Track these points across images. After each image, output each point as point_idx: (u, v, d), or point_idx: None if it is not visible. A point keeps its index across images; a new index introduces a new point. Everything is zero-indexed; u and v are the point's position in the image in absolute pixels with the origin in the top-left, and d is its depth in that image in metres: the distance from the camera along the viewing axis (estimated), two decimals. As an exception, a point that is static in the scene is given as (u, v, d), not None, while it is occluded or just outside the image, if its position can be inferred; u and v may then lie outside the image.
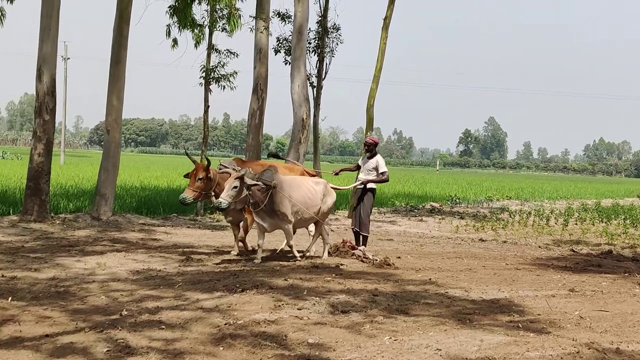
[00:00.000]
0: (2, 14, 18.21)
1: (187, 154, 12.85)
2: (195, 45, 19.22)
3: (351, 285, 9.89)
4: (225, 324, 7.35)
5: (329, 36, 23.95)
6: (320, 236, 12.69)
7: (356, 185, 13.36)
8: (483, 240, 17.07)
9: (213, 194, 11.87)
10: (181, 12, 17.66)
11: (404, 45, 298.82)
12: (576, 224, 22.61)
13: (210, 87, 20.06)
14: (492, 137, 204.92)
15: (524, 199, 36.00)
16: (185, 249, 13.08)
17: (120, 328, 7.04)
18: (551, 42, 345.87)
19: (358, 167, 13.71)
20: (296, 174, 12.98)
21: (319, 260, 12.14)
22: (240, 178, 11.02)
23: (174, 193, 23.34)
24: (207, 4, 18.60)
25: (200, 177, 11.72)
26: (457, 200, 30.82)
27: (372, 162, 13.10)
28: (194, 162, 12.02)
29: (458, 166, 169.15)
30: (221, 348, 6.53)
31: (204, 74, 19.93)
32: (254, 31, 20.74)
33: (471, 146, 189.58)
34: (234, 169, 11.45)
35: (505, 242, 16.99)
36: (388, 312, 8.24)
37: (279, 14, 23.30)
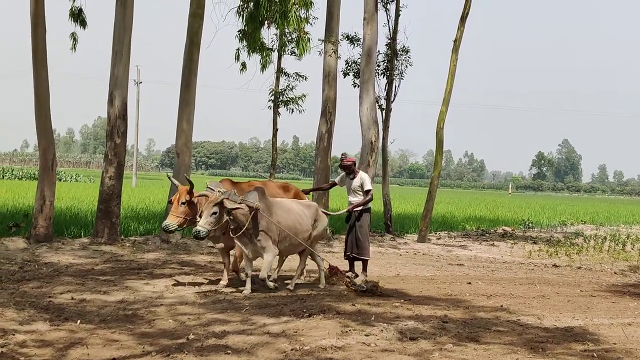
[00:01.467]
0: (75, 39, 18.62)
1: (169, 178, 12.19)
2: (262, 69, 19.40)
3: (420, 311, 9.72)
4: (292, 350, 7.28)
5: (398, 58, 23.79)
6: (315, 262, 11.97)
7: (346, 211, 12.60)
8: (557, 266, 16.62)
9: (199, 219, 10.75)
10: (250, 36, 17.79)
11: (474, 67, 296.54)
12: (654, 249, 21.89)
13: (279, 110, 20.13)
14: (566, 159, 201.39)
15: (599, 223, 35.11)
16: (253, 272, 13.03)
17: (186, 352, 7.03)
18: (627, 62, 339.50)
19: (333, 185, 13.27)
20: (290, 196, 12.40)
21: (316, 286, 11.76)
22: (220, 203, 10.28)
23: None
24: (276, 28, 18.74)
25: (184, 201, 10.85)
26: (530, 224, 30.21)
27: (356, 182, 12.42)
28: (177, 186, 11.27)
29: (531, 189, 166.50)
30: (287, 375, 6.44)
31: (272, 97, 20.01)
32: (322, 54, 20.82)
33: (544, 169, 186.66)
34: (219, 191, 10.58)
35: (579, 268, 16.52)
36: (458, 339, 8.06)
37: (347, 36, 23.27)
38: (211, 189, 10.74)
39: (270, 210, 10.74)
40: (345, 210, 12.49)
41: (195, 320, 8.66)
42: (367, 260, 12.55)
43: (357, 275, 12.02)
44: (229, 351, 7.17)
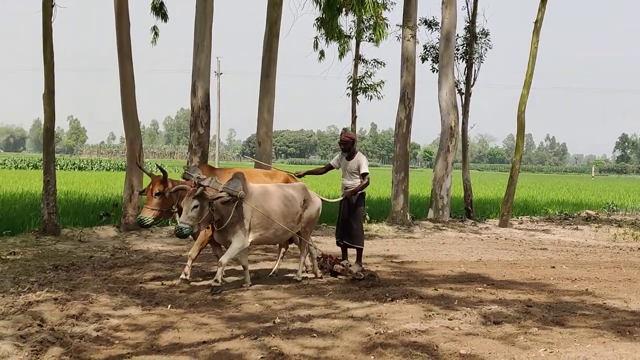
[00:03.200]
0: (156, 33, 19.05)
1: (139, 167, 11.26)
2: (340, 57, 19.43)
3: (503, 295, 9.70)
4: (376, 333, 7.36)
5: (478, 42, 23.53)
6: (300, 250, 11.19)
7: (344, 197, 11.54)
8: (643, 249, 16.28)
9: (176, 209, 10.11)
10: (328, 24, 17.87)
11: (555, 49, 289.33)
12: None
13: (358, 97, 20.16)
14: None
15: (687, 205, 34.07)
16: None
17: (273, 335, 7.18)
18: None
19: (329, 168, 12.02)
20: (279, 181, 11.43)
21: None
22: (200, 195, 9.30)
23: (323, 203, 23.55)
24: (354, 15, 18.75)
25: (158, 192, 10.02)
26: (615, 207, 29.57)
27: (353, 163, 11.47)
28: (150, 174, 10.45)
29: (614, 172, 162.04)
30: (372, 357, 6.55)
31: (351, 85, 20.07)
32: (400, 40, 20.75)
33: (628, 151, 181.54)
34: (197, 178, 9.70)
35: (667, 251, 16.14)
36: (543, 323, 8.03)
37: (425, 21, 23.13)
38: (189, 175, 10.04)
39: (252, 197, 9.87)
40: (342, 197, 11.61)
41: (280, 305, 8.84)
42: (361, 249, 11.70)
43: (351, 265, 11.40)
44: (315, 334, 7.30)
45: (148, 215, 10.01)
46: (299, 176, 11.82)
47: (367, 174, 11.43)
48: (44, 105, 14.44)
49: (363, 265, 11.64)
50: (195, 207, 9.24)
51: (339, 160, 11.74)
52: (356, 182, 11.49)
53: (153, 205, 10.02)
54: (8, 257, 11.77)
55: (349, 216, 11.51)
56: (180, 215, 9.54)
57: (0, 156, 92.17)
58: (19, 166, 62.99)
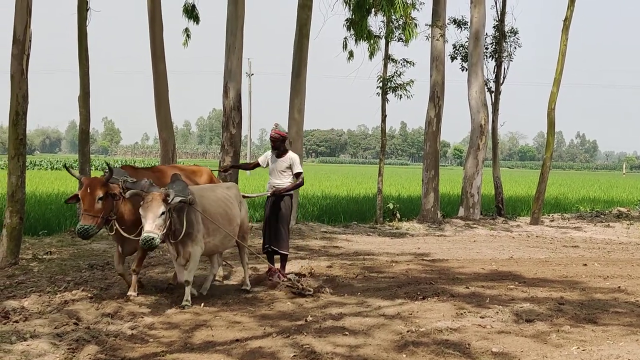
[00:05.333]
0: (188, 35, 19.23)
1: (66, 168, 9.33)
2: (370, 57, 19.46)
3: (535, 293, 9.68)
4: (408, 331, 7.39)
5: (507, 40, 23.48)
6: (239, 258, 10.24)
7: (271, 194, 10.62)
8: (677, 247, 16.12)
9: (115, 217, 8.78)
10: (358, 24, 17.96)
11: (584, 46, 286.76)
12: None
13: (387, 96, 20.18)
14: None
15: None
16: (365, 257, 13.24)
17: (305, 334, 7.25)
18: None
19: (257, 165, 11.12)
20: (203, 178, 10.50)
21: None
22: (166, 200, 8.22)
23: (353, 201, 23.68)
24: (383, 15, 18.77)
25: (101, 196, 8.53)
26: (647, 204, 29.26)
27: (284, 161, 10.58)
28: (78, 178, 9.39)
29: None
30: (404, 355, 6.58)
31: (380, 84, 20.08)
32: (429, 39, 20.78)
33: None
34: (125, 180, 8.74)
35: (701, 248, 15.97)
36: (575, 321, 8.01)
37: (454, 20, 23.11)
38: (115, 179, 8.75)
39: (197, 201, 8.86)
40: (269, 192, 10.64)
41: (312, 303, 8.91)
42: (286, 255, 10.83)
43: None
44: (347, 332, 7.35)
45: (91, 223, 8.47)
46: (225, 170, 11.22)
47: (301, 173, 10.70)
48: (79, 107, 14.67)
49: (293, 275, 10.58)
50: (163, 213, 8.18)
51: (267, 158, 10.87)
52: (285, 181, 10.63)
53: (95, 212, 8.52)
54: (44, 256, 11.98)
55: (276, 219, 10.63)
56: (119, 224, 8.74)
57: (37, 157, 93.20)
58: (54, 167, 63.69)
